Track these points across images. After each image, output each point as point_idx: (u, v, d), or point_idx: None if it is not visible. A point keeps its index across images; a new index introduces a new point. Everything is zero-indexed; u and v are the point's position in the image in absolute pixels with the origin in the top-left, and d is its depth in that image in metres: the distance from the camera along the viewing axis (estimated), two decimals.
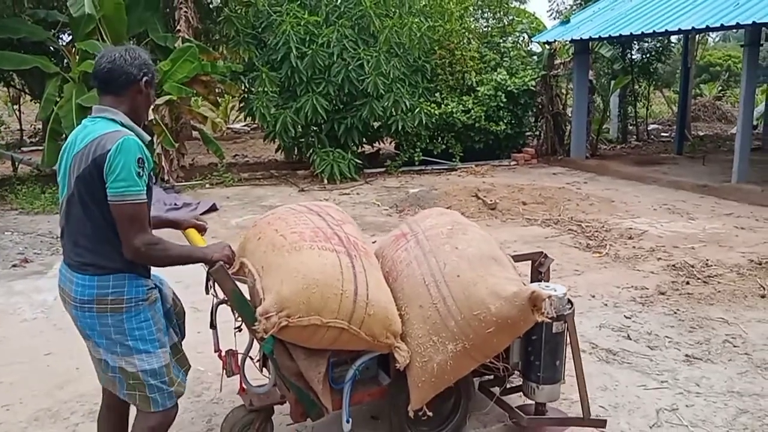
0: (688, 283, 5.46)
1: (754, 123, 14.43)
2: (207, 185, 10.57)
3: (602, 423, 3.21)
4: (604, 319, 4.70)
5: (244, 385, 3.02)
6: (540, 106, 13.02)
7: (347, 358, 2.85)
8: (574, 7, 16.91)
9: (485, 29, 14.06)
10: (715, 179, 9.77)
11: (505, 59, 12.90)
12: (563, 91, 13.70)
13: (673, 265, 5.92)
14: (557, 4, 19.46)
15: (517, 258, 3.38)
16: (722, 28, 9.23)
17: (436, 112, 11.54)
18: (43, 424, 3.43)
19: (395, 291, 2.91)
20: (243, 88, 11.74)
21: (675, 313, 4.81)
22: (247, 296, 2.79)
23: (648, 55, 14.65)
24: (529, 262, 3.55)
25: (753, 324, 4.59)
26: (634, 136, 15.53)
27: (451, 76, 12.15)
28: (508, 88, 11.99)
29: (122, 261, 2.34)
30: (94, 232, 2.31)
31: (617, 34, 10.73)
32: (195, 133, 12.34)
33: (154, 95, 2.55)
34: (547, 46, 12.79)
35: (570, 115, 13.07)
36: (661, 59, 14.88)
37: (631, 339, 4.36)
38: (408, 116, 11.04)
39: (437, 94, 11.95)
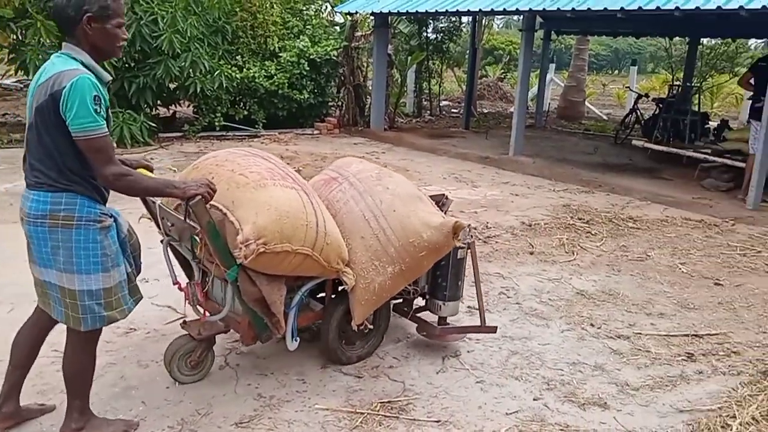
0: None
1: (529, 103, 16.12)
2: None
3: (494, 329, 3.92)
4: None
5: (203, 314, 3.25)
6: (342, 77, 13.21)
7: (294, 285, 3.22)
8: None
9: None
10: (496, 152, 10.77)
11: (308, 27, 12.87)
12: (364, 63, 14.04)
13: None
14: None
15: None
16: (504, 12, 10.09)
17: (238, 76, 11.18)
18: None
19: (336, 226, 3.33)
20: (13, 37, 10.31)
21: None
22: None
23: (441, 35, 15.57)
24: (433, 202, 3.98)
25: (523, 277, 5.18)
26: (428, 111, 16.45)
27: (253, 39, 11.83)
28: (311, 57, 11.99)
29: (71, 184, 2.52)
30: (46, 158, 2.51)
31: (414, 11, 11.24)
32: None
33: (114, 27, 2.54)
34: (350, 18, 12.98)
35: (370, 87, 13.47)
36: (452, 39, 15.90)
37: None
38: (207, 78, 10.54)
39: (239, 58, 11.58)
